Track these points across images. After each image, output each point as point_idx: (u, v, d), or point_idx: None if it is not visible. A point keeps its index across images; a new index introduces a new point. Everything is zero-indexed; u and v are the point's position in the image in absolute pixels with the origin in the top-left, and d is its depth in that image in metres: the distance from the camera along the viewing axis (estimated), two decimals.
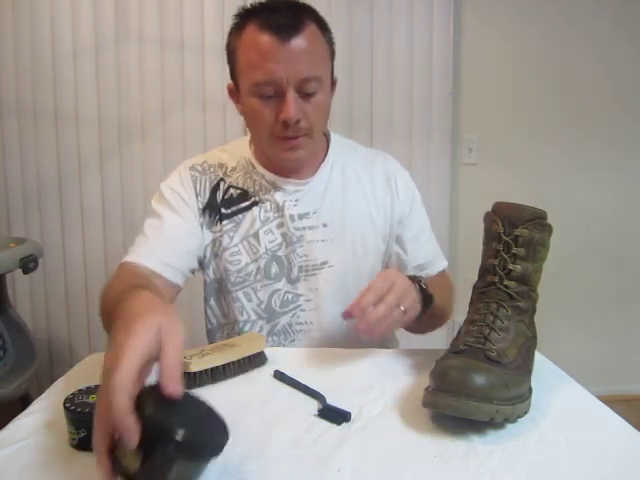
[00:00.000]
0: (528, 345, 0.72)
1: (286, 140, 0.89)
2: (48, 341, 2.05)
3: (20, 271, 1.68)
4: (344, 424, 0.64)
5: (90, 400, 0.60)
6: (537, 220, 0.73)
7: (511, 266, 0.72)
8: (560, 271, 2.25)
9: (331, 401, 0.70)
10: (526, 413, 0.66)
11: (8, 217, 1.99)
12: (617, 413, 0.67)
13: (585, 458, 0.57)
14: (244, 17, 0.88)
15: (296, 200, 0.98)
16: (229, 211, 0.98)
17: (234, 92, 0.95)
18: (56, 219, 2.00)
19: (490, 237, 0.76)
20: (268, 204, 0.98)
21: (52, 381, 0.78)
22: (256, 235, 0.97)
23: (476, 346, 0.67)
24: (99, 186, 1.99)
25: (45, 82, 1.93)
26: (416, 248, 1.05)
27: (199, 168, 1.01)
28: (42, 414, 0.67)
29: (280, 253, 0.98)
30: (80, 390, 0.62)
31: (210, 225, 0.99)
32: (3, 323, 1.74)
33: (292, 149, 0.91)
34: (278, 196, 0.98)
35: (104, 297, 0.80)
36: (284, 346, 0.99)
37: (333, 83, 0.96)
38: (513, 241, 0.72)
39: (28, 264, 1.66)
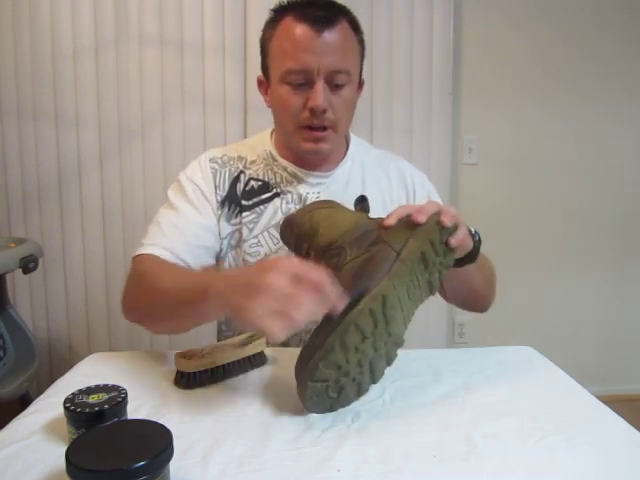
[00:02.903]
0: None
1: (311, 131, 0.92)
2: (48, 341, 2.04)
3: (20, 271, 1.68)
4: (344, 424, 0.64)
5: (90, 400, 0.60)
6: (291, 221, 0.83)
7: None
8: (559, 266, 2.25)
9: None
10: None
11: (8, 217, 1.99)
12: (617, 413, 0.67)
13: (585, 458, 0.57)
14: (280, 10, 0.92)
15: (318, 192, 1.00)
16: (250, 203, 0.99)
17: (263, 83, 0.98)
18: (56, 219, 1.99)
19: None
20: (290, 196, 1.00)
21: (52, 381, 0.78)
22: (277, 226, 0.98)
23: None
24: (99, 186, 1.98)
25: (45, 82, 1.92)
26: None
27: (219, 161, 1.02)
28: (42, 414, 0.67)
29: None
30: (80, 390, 0.62)
31: (229, 217, 0.99)
32: (3, 323, 1.74)
33: (315, 141, 0.93)
34: (301, 188, 1.00)
35: (153, 280, 0.83)
36: (299, 336, 0.99)
37: (360, 84, 0.99)
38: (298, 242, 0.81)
39: (28, 264, 1.66)
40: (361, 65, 0.98)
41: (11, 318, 1.77)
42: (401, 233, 0.69)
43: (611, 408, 0.69)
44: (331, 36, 0.88)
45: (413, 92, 2.03)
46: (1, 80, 1.93)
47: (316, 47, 0.87)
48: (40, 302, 2.03)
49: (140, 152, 1.97)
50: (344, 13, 0.93)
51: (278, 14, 0.93)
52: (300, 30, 0.88)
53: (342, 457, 0.57)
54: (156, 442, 0.48)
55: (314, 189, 1.01)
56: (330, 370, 0.62)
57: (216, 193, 0.99)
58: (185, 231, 0.94)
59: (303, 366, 0.63)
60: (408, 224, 0.70)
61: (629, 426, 0.64)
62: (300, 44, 0.88)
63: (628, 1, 2.15)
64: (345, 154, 1.05)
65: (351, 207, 1.00)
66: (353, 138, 1.09)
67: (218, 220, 0.99)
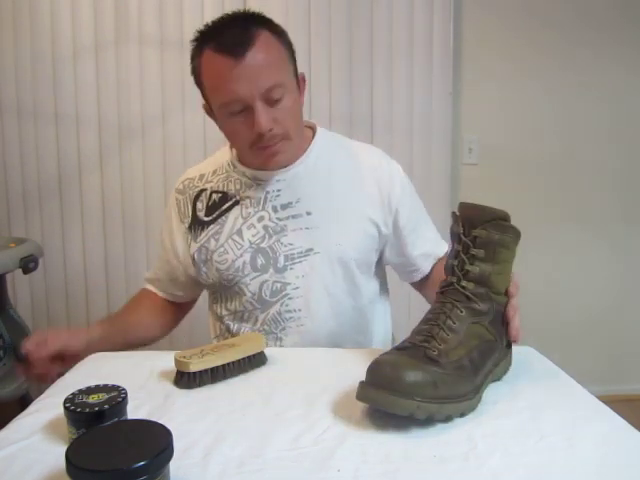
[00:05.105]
0: (484, 348, 0.70)
1: (266, 148, 0.93)
2: None
3: (20, 271, 1.68)
4: (344, 424, 0.64)
5: (90, 400, 0.60)
6: (497, 221, 0.71)
7: (469, 267, 0.71)
8: (559, 267, 2.26)
9: (331, 400, 0.70)
10: (463, 415, 0.65)
11: (8, 217, 1.99)
12: (617, 413, 0.67)
13: (585, 458, 0.57)
14: (200, 41, 0.91)
15: (278, 190, 1.01)
16: (213, 216, 1.03)
17: (210, 111, 0.98)
18: (56, 219, 2.00)
19: (452, 237, 0.76)
20: (248, 200, 1.01)
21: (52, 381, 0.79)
22: (239, 232, 1.00)
23: (419, 344, 0.67)
24: (99, 186, 1.99)
25: (45, 82, 1.93)
26: (417, 237, 1.07)
27: (181, 187, 1.08)
28: (42, 414, 0.67)
29: (264, 245, 1.00)
30: (80, 390, 0.62)
31: (196, 236, 1.04)
32: (3, 323, 1.74)
33: (273, 155, 0.94)
34: (260, 190, 1.01)
35: None
36: (275, 335, 1.01)
37: (302, 81, 0.98)
38: (472, 242, 0.71)
39: (28, 264, 1.66)
40: (294, 65, 0.96)
41: (11, 318, 1.77)
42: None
43: (611, 408, 0.69)
44: (252, 57, 0.86)
45: (413, 92, 2.03)
46: (1, 80, 1.93)
47: (242, 74, 0.86)
48: (40, 302, 2.03)
49: (140, 152, 1.97)
50: (260, 25, 0.90)
51: (199, 44, 0.91)
52: (221, 62, 0.86)
53: (342, 457, 0.57)
54: (156, 442, 0.48)
55: (273, 187, 1.01)
56: (432, 405, 0.63)
57: (183, 223, 1.05)
58: (174, 272, 1.09)
59: (419, 385, 0.62)
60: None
61: (629, 426, 0.64)
62: (225, 77, 0.87)
63: (625, 1, 2.15)
64: (307, 149, 1.02)
65: (319, 199, 1.00)
66: (321, 132, 1.06)
67: (189, 244, 1.04)
